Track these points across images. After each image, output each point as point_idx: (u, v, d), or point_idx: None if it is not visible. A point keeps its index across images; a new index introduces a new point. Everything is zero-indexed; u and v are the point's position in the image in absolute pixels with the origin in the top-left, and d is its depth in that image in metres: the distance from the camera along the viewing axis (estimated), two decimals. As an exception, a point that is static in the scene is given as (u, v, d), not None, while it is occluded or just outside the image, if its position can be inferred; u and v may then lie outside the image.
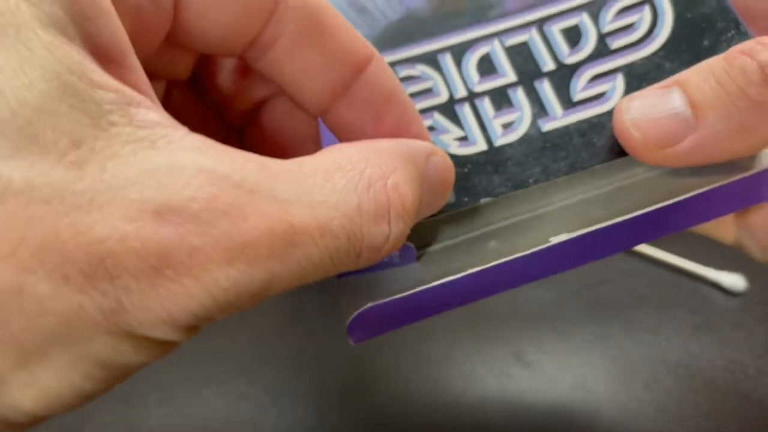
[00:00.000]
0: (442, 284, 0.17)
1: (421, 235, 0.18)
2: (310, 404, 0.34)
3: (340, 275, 0.18)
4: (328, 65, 0.15)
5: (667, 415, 0.32)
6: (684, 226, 0.18)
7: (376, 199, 0.13)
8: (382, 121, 0.16)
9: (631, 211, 0.17)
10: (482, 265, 0.17)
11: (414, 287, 0.17)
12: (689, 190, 0.18)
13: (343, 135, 0.17)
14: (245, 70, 0.18)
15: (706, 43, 0.19)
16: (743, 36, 0.18)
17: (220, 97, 0.18)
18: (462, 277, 0.17)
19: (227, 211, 0.11)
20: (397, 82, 0.16)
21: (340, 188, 0.13)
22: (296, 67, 0.15)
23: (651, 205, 0.18)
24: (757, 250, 0.20)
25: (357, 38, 0.16)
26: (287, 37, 0.15)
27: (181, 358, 0.34)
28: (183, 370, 0.35)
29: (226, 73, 0.18)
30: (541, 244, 0.17)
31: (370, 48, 0.16)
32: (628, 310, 0.36)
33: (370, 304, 0.17)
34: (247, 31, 0.15)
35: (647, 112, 0.17)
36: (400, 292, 0.17)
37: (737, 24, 0.19)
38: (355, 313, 0.17)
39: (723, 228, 0.21)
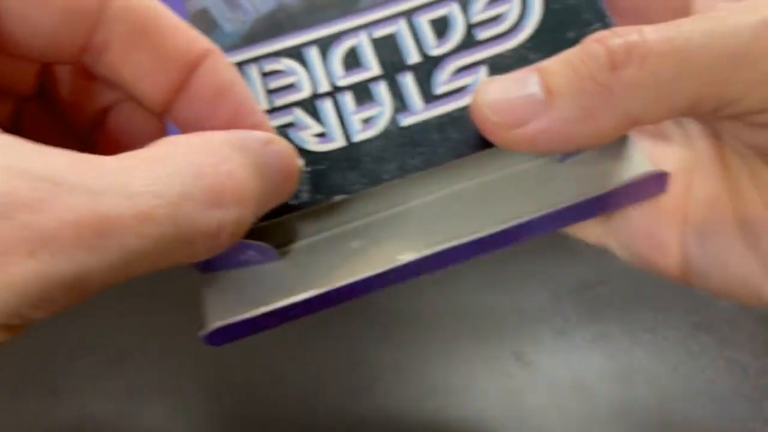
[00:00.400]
0: (299, 300, 0.18)
1: (283, 232, 0.19)
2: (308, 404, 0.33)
3: (202, 267, 0.18)
4: (161, 64, 0.16)
5: (667, 415, 0.32)
6: (539, 234, 0.19)
7: (206, 185, 0.13)
8: (217, 114, 0.16)
9: (485, 229, 0.18)
10: (342, 280, 0.18)
11: (269, 302, 0.18)
12: (550, 200, 0.18)
13: (186, 131, 0.17)
14: (88, 76, 0.18)
15: (571, 35, 0.19)
16: (607, 27, 0.18)
17: (67, 107, 0.18)
18: (320, 293, 0.18)
19: (27, 204, 0.11)
20: (235, 75, 0.17)
21: (165, 176, 0.13)
22: (131, 68, 0.16)
23: (501, 223, 0.18)
24: (620, 250, 0.21)
25: (190, 36, 0.16)
26: (118, 40, 0.15)
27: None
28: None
29: (69, 82, 0.18)
30: (391, 263, 0.18)
31: (206, 44, 0.16)
32: (628, 310, 0.36)
33: (218, 324, 0.17)
34: (73, 36, 0.15)
35: (503, 94, 0.17)
36: (256, 307, 0.17)
37: (603, 16, 0.19)
38: (207, 330, 0.18)
39: (584, 228, 0.21)
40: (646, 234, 0.20)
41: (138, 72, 0.16)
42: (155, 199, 0.12)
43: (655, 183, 0.19)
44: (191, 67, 0.16)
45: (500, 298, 0.37)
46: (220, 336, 0.18)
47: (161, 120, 0.18)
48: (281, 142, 0.16)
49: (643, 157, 0.19)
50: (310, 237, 0.19)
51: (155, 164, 0.13)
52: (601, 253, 0.21)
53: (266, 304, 0.18)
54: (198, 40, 0.16)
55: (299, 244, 0.19)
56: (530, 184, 0.19)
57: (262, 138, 0.15)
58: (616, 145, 0.19)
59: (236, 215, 0.14)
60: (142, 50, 0.16)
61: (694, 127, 0.20)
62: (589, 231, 0.21)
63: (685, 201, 0.20)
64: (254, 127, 0.16)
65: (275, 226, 0.18)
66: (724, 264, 0.19)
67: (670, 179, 0.19)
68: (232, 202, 0.14)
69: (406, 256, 0.18)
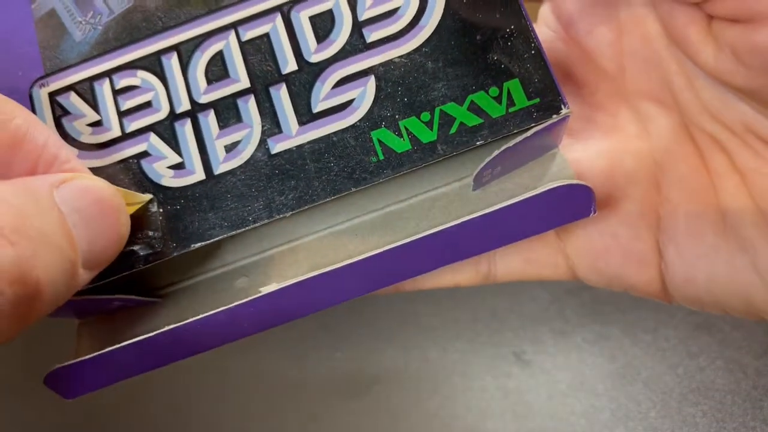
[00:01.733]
0: (145, 338, 0.16)
1: (164, 274, 0.17)
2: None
3: (76, 313, 0.17)
4: None
5: (666, 415, 0.32)
6: (447, 258, 0.16)
7: None
8: (13, 168, 0.14)
9: (371, 250, 0.15)
10: (195, 316, 0.16)
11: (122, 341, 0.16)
12: (454, 216, 0.16)
13: None
14: None
15: (479, 38, 0.16)
16: (524, 32, 0.15)
17: None
18: (154, 336, 0.16)
19: None
20: (30, 120, 0.14)
21: None
22: None
23: (390, 243, 0.15)
24: (591, 275, 0.18)
25: None
26: None
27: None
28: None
29: None
30: (248, 297, 0.16)
31: None
32: (627, 310, 0.36)
33: (56, 366, 0.16)
34: None
35: None
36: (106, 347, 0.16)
37: (519, 16, 0.15)
38: (46, 375, 0.16)
39: (544, 266, 0.19)
40: (618, 248, 0.18)
41: None
42: None
43: (579, 198, 0.16)
44: None
45: (500, 299, 0.37)
46: (70, 380, 0.16)
47: None
48: (77, 177, 0.14)
49: (569, 171, 0.16)
50: (193, 278, 0.17)
51: None
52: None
53: (118, 343, 0.16)
54: None
55: (182, 285, 0.17)
56: (438, 209, 0.16)
57: (51, 180, 0.14)
58: (541, 164, 0.16)
59: (27, 258, 0.12)
60: None
61: (655, 116, 0.18)
62: (548, 266, 0.19)
63: (655, 202, 0.18)
64: (61, 170, 0.15)
65: (154, 268, 0.16)
66: (708, 270, 0.17)
67: (594, 196, 0.16)
68: (11, 243, 0.12)
69: (269, 288, 0.15)
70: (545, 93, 0.15)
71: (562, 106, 0.15)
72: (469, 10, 0.16)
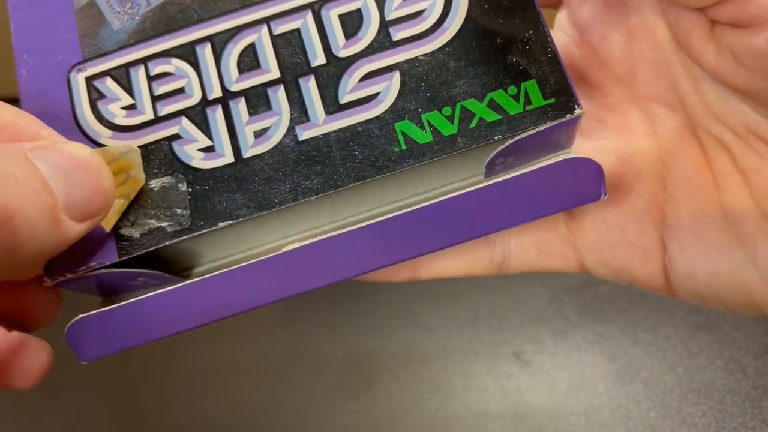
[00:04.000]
0: (165, 293, 0.16)
1: (182, 258, 0.17)
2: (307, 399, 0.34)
3: (101, 293, 0.17)
4: None
5: (666, 415, 0.32)
6: (455, 236, 0.16)
7: None
8: None
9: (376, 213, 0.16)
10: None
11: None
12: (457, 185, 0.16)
13: None
14: None
15: (499, 41, 0.16)
16: (541, 37, 0.16)
17: None
18: (184, 286, 0.16)
19: None
20: (10, 112, 0.15)
21: None
22: None
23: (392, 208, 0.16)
24: (599, 267, 0.19)
25: None
26: None
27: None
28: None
29: None
30: (276, 251, 0.16)
31: None
32: (627, 310, 0.36)
33: (80, 316, 0.16)
34: None
35: None
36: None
37: (537, 22, 0.16)
38: (68, 326, 0.16)
39: (554, 257, 0.19)
40: (625, 241, 0.18)
41: None
42: None
43: (588, 176, 0.16)
44: None
45: (500, 298, 0.37)
46: (90, 335, 0.16)
47: None
48: (49, 142, 0.15)
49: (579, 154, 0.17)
50: (218, 260, 0.17)
51: None
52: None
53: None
54: None
55: (206, 268, 0.17)
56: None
57: (23, 146, 0.14)
58: (552, 160, 0.17)
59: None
60: None
61: (663, 118, 0.19)
62: (560, 258, 0.19)
63: (661, 199, 0.18)
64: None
65: (172, 250, 0.17)
66: (709, 265, 0.17)
67: (603, 175, 0.16)
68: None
69: (291, 246, 0.16)
70: (560, 94, 0.16)
71: (576, 107, 0.16)
72: (489, 16, 0.17)
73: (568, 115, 0.16)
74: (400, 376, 0.34)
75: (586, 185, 0.16)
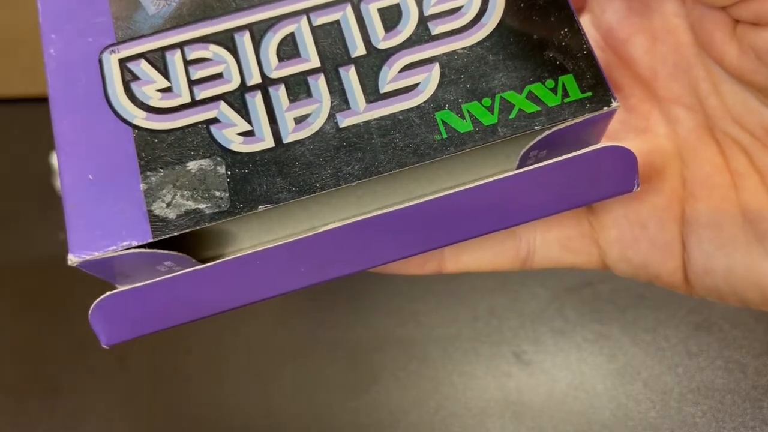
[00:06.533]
0: (200, 271, 0.16)
1: (209, 243, 0.17)
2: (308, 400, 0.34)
3: (120, 277, 0.17)
4: None
5: (666, 415, 0.32)
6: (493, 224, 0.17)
7: None
8: None
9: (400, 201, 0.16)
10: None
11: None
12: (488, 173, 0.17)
13: None
14: None
15: (535, 37, 0.17)
16: (576, 35, 0.17)
17: None
18: (219, 264, 0.16)
19: None
20: None
21: None
22: None
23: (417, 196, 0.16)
24: (620, 263, 0.19)
25: None
26: None
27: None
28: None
29: None
30: (306, 233, 0.16)
31: None
32: (627, 310, 0.37)
33: (108, 293, 0.16)
34: None
35: None
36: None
37: (572, 21, 0.17)
38: (93, 305, 0.16)
39: (578, 253, 0.20)
40: (646, 238, 0.19)
41: None
42: None
43: (623, 165, 0.17)
44: None
45: (500, 298, 0.37)
46: (108, 324, 0.16)
47: None
48: None
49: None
50: (255, 247, 0.17)
51: None
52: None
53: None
54: None
55: (231, 256, 0.17)
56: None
57: None
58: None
59: None
60: None
61: (683, 118, 0.19)
62: (582, 254, 0.20)
63: (681, 197, 0.19)
64: None
65: (203, 232, 0.17)
66: (727, 260, 0.18)
67: (637, 164, 0.17)
68: None
69: (328, 226, 0.16)
70: (597, 88, 0.16)
71: (612, 100, 0.16)
72: (525, 13, 0.17)
73: (605, 108, 0.16)
74: (400, 375, 0.34)
75: (620, 175, 0.17)
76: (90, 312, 0.16)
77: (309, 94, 0.17)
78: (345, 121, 0.17)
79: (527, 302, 0.37)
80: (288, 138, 0.17)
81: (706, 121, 0.19)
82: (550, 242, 0.20)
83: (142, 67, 0.17)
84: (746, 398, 0.33)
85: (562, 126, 0.16)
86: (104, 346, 0.16)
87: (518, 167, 0.17)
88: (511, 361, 0.35)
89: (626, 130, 0.20)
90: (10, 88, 0.44)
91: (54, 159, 0.43)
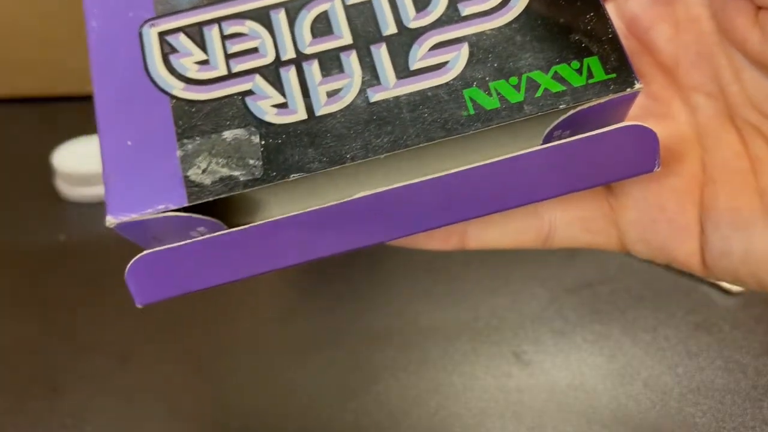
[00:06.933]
0: (231, 233, 0.16)
1: (240, 210, 0.18)
2: (312, 397, 0.34)
3: (149, 240, 0.17)
4: None
5: (666, 415, 0.32)
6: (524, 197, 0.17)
7: None
8: None
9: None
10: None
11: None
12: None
13: None
14: None
15: (562, 21, 0.17)
16: (602, 19, 0.17)
17: None
18: (251, 228, 0.16)
19: None
20: None
21: None
22: None
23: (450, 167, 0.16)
24: (638, 244, 0.20)
25: None
26: None
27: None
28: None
29: None
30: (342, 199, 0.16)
31: None
32: (627, 310, 0.37)
33: (145, 252, 0.16)
34: None
35: None
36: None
37: (598, 5, 0.18)
38: (130, 264, 0.16)
39: (597, 234, 0.20)
40: (665, 220, 0.19)
41: None
42: None
43: (645, 144, 0.17)
44: None
45: (500, 298, 0.37)
46: (144, 283, 0.17)
47: None
48: None
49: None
50: (277, 216, 0.18)
51: None
52: (600, 252, 0.21)
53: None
54: None
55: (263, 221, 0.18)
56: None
57: None
58: None
59: None
60: None
61: (703, 105, 0.20)
62: (602, 234, 0.20)
63: (700, 181, 0.19)
64: None
65: (235, 201, 0.17)
66: (744, 243, 0.18)
67: (659, 144, 0.17)
68: None
69: (360, 194, 0.16)
70: (621, 70, 0.17)
71: (636, 82, 0.17)
72: None
73: (629, 89, 0.17)
74: (400, 376, 0.34)
75: (641, 154, 0.17)
76: (126, 271, 0.16)
77: (341, 69, 0.17)
78: (375, 96, 0.17)
79: (527, 302, 0.37)
80: (320, 111, 0.17)
81: (727, 108, 0.19)
82: (571, 222, 0.21)
83: (181, 41, 0.18)
84: (746, 398, 0.33)
85: (586, 105, 0.17)
86: (138, 306, 0.17)
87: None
88: (511, 361, 0.35)
89: (647, 116, 0.20)
90: (10, 89, 0.44)
91: (54, 159, 0.43)
